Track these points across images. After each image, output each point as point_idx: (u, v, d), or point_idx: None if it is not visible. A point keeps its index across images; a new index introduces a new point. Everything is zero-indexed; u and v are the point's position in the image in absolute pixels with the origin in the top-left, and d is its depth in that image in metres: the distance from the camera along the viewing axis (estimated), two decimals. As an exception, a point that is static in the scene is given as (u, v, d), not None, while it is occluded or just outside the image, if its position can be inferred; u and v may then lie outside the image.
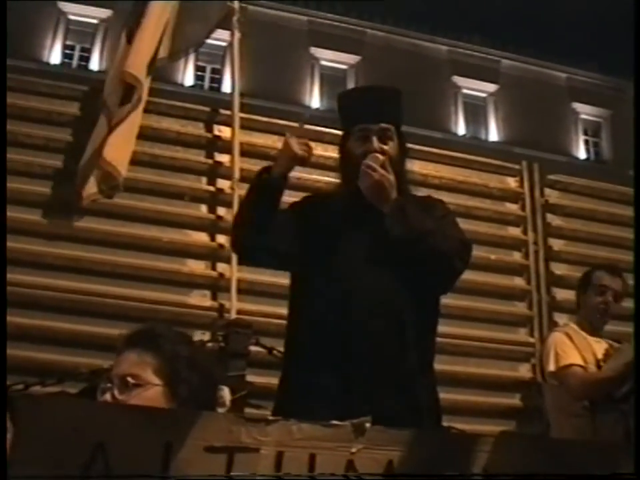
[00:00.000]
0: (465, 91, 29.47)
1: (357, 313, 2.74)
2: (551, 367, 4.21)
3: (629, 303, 4.82)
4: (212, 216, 4.99)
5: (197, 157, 5.13)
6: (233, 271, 4.69)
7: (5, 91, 4.35)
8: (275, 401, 2.88)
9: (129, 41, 4.74)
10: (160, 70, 4.89)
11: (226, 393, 2.91)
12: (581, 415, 4.04)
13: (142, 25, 4.70)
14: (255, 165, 4.93)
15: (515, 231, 5.65)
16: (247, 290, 4.71)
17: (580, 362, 4.13)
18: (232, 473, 1.70)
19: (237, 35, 5.28)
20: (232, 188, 4.84)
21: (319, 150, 4.40)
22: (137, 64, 4.58)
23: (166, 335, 2.15)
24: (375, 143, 2.90)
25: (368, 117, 2.96)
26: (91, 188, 4.51)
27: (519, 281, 5.53)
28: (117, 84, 4.61)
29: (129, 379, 2.04)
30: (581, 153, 29.92)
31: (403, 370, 2.78)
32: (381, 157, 2.85)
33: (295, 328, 2.92)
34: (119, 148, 4.48)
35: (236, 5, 5.28)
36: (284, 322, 2.99)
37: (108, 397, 2.05)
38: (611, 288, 4.35)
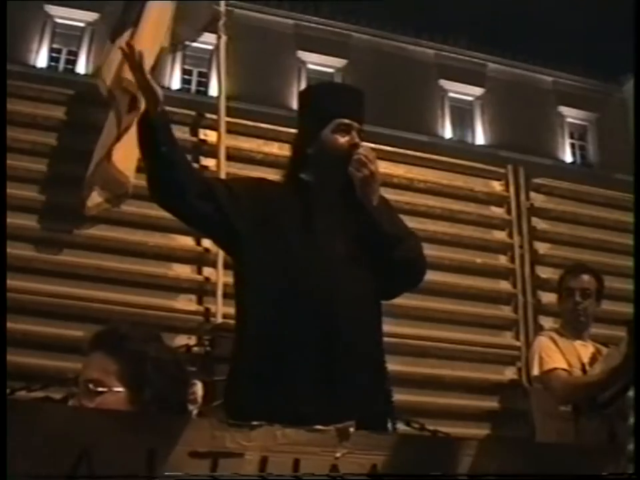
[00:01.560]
0: (451, 94, 29.49)
1: (329, 309, 2.66)
2: (535, 371, 4.24)
3: (613, 306, 4.88)
4: (197, 220, 4.95)
5: (183, 160, 5.10)
6: (219, 275, 4.68)
7: (5, 96, 4.33)
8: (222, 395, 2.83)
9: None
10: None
11: (199, 388, 2.85)
12: (565, 419, 4.06)
13: (140, 27, 4.53)
14: (241, 170, 4.95)
15: (500, 235, 5.65)
16: (233, 294, 4.68)
17: (564, 366, 4.15)
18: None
19: (223, 38, 5.27)
20: (218, 192, 4.81)
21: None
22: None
23: (131, 335, 2.12)
24: (357, 138, 2.86)
25: (351, 113, 2.90)
26: (98, 196, 4.47)
27: (504, 285, 5.53)
28: (121, 92, 4.52)
29: (91, 385, 2.03)
30: (567, 157, 29.98)
31: (378, 370, 2.79)
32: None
33: (259, 324, 2.83)
34: (127, 154, 4.44)
35: (222, 8, 5.28)
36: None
37: (74, 402, 2.04)
38: (576, 288, 4.38)
